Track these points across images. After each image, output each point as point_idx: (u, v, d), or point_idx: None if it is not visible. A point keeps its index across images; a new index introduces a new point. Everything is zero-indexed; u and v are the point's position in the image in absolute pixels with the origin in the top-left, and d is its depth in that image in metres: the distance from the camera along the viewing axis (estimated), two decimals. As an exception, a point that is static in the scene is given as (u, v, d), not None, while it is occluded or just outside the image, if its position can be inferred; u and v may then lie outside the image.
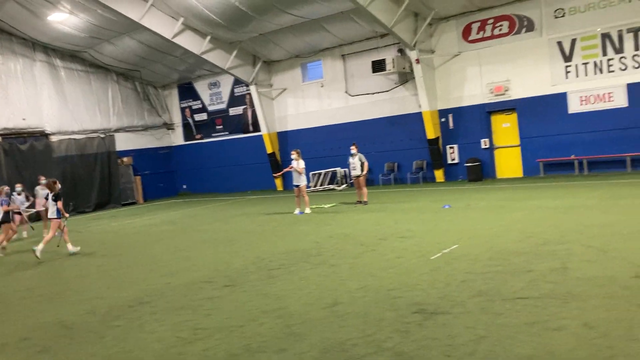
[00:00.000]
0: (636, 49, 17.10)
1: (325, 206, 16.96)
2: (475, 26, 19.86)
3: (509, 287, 6.61)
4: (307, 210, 15.98)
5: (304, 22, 21.21)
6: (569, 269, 7.13)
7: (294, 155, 16.68)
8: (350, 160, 16.73)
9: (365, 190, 16.58)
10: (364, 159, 16.53)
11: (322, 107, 24.35)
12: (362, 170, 16.45)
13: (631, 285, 6.17)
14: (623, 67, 17.38)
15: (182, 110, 29.69)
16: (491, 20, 19.50)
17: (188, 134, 29.72)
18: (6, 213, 13.78)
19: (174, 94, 29.84)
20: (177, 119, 30.04)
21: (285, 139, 25.67)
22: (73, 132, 25.70)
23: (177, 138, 30.26)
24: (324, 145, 24.01)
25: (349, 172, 16.86)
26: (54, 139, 24.96)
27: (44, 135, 24.66)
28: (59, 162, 24.66)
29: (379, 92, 22.40)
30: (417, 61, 20.03)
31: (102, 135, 26.78)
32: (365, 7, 17.73)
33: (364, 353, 5.04)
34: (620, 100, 17.54)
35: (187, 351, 5.60)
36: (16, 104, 23.68)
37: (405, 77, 21.49)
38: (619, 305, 5.60)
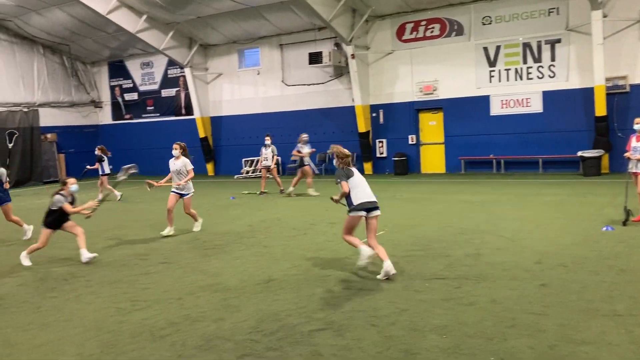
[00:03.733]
0: (552, 59, 18.49)
1: (246, 192, 17.28)
2: (409, 26, 20.71)
3: (428, 268, 7.26)
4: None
5: (243, 9, 21.31)
6: (481, 254, 7.88)
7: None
8: (263, 150, 16.92)
9: (279, 179, 16.98)
10: (275, 151, 16.90)
11: (257, 94, 24.55)
12: (272, 161, 16.75)
13: (533, 269, 6.97)
14: (540, 76, 18.74)
15: (112, 88, 28.96)
16: (424, 22, 20.41)
17: (117, 114, 29.05)
18: None
19: (104, 71, 29.05)
20: (105, 97, 29.28)
21: (219, 124, 25.69)
22: (-7, 104, 24.58)
23: (105, 117, 29.50)
24: (258, 133, 24.24)
25: (261, 161, 17.14)
26: (-28, 110, 23.78)
27: (-39, 105, 23.44)
28: (-23, 135, 23.54)
29: (314, 84, 22.88)
30: (353, 56, 20.65)
31: (25, 110, 25.73)
32: (305, -1, 18.12)
33: (297, 322, 5.48)
34: (537, 106, 18.92)
35: (126, 320, 5.84)
36: None
37: (341, 71, 22.08)
38: (521, 285, 6.35)
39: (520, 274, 6.79)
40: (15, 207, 16.87)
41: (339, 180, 7.11)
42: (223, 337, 5.20)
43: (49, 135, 26.45)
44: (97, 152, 18.13)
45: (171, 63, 25.90)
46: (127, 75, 28.26)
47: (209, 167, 25.74)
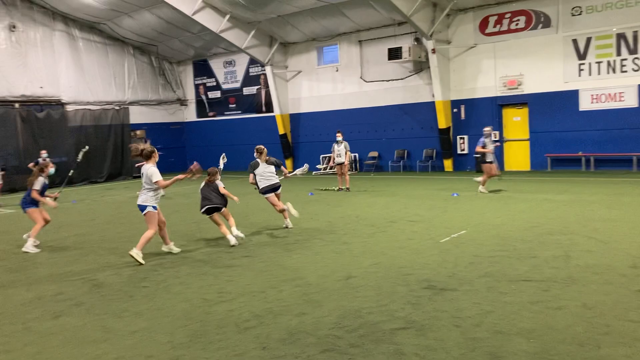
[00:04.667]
0: (650, 50, 17.35)
1: (323, 188, 17.37)
2: (492, 19, 20.08)
3: (514, 270, 7.03)
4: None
5: (323, 6, 21.46)
6: (571, 257, 7.54)
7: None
8: (335, 147, 16.84)
9: (348, 177, 16.90)
10: (348, 147, 16.80)
11: (335, 91, 24.67)
12: (346, 158, 16.66)
13: (628, 274, 6.58)
14: (636, 68, 17.62)
15: (196, 87, 30.05)
16: (508, 15, 19.72)
17: (201, 111, 30.11)
18: None
19: (189, 70, 30.18)
20: (190, 95, 30.42)
21: (298, 120, 26.04)
22: (88, 103, 26.11)
23: (189, 114, 30.65)
24: (336, 129, 24.38)
25: (334, 158, 17.01)
26: (69, 108, 25.37)
27: (60, 104, 25.06)
28: (73, 132, 25.10)
29: (393, 80, 22.69)
30: (433, 51, 20.30)
31: (117, 108, 27.20)
32: (385, -6, 17.98)
33: (378, 320, 5.47)
34: (631, 101, 17.82)
35: (213, 311, 6.05)
36: (34, 72, 24.06)
37: (420, 66, 21.77)
38: (616, 290, 6.01)
39: (615, 278, 6.44)
40: (108, 200, 17.92)
41: None
42: (305, 331, 5.28)
43: (138, 132, 27.84)
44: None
45: (252, 61, 26.52)
46: (210, 74, 29.23)
47: (288, 163, 26.15)
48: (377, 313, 5.68)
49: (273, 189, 10.94)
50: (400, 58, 21.15)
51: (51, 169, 10.56)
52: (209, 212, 9.69)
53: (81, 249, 9.99)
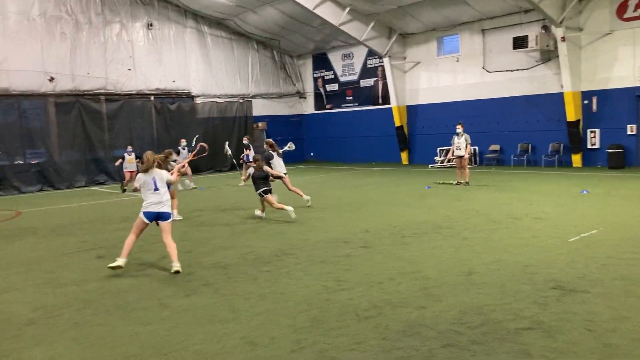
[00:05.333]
0: None
1: (440, 182, 16.97)
2: (632, 3, 18.46)
3: (655, 275, 6.46)
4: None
5: (444, -5, 20.95)
6: None
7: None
8: (455, 139, 16.35)
9: (467, 170, 16.32)
10: (469, 140, 16.21)
11: (455, 82, 24.01)
12: (466, 151, 16.12)
13: None
14: None
15: (315, 80, 30.63)
16: (652, -3, 18.03)
17: (319, 104, 30.67)
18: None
19: (308, 63, 30.82)
20: (309, 88, 31.07)
21: (415, 112, 25.69)
22: (215, 96, 27.56)
23: (308, 107, 31.34)
24: (455, 121, 23.76)
25: (453, 151, 16.48)
26: (198, 101, 26.95)
27: (190, 97, 26.70)
28: (201, 123, 26.61)
29: (518, 70, 21.65)
30: (563, 39, 19.07)
31: (241, 100, 28.46)
32: (512, -20, 17.15)
33: (502, 318, 5.28)
34: None
35: (332, 298, 6.17)
36: (168, 67, 25.80)
37: (548, 55, 20.56)
38: None
39: None
40: (223, 188, 18.72)
41: None
42: (425, 325, 5.22)
43: (260, 124, 28.94)
44: (245, 141, 20.77)
45: (370, 53, 26.53)
46: (329, 67, 29.66)
47: (404, 155, 25.91)
48: (500, 311, 5.48)
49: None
50: (526, 47, 20.10)
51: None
52: (264, 193, 11.43)
53: (211, 229, 10.60)
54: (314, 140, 30.90)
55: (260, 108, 29.32)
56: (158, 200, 7.76)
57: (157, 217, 7.78)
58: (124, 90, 24.40)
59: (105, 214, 14.00)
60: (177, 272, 7.51)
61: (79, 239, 10.67)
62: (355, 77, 28.33)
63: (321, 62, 30.09)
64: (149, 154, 7.93)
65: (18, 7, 21.39)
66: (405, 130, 25.94)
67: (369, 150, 27.52)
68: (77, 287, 7.20)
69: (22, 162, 21.91)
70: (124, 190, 19.39)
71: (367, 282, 6.75)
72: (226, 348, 4.92)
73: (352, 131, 28.37)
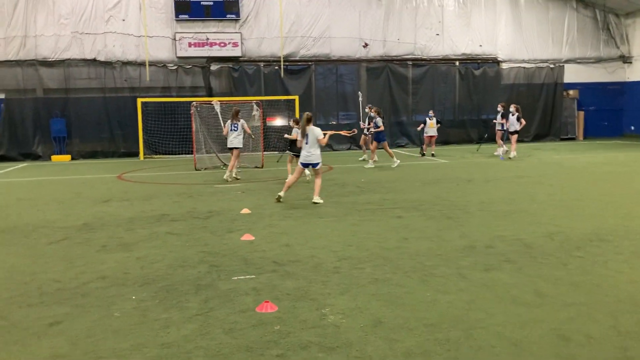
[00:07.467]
0: None
1: None
2: None
3: None
4: None
5: None
6: None
7: None
8: None
9: None
10: None
11: None
12: None
13: None
14: None
15: (646, 41, 26.26)
16: None
17: (648, 70, 26.29)
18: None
19: (638, 23, 26.52)
20: (636, 51, 26.81)
21: None
22: (523, 61, 25.86)
23: (633, 73, 27.14)
24: None
25: None
26: (504, 66, 25.66)
27: (495, 62, 25.57)
28: (505, 90, 25.35)
29: None
30: None
31: (551, 66, 26.15)
32: None
33: None
34: None
35: (666, 303, 5.06)
36: (476, 31, 25.08)
37: None
38: None
39: None
40: (534, 160, 17.56)
41: None
42: None
43: (570, 92, 26.27)
44: (499, 108, 19.59)
45: None
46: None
47: None
48: None
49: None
50: None
51: None
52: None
53: (510, 205, 9.95)
54: (636, 112, 26.75)
55: (572, 74, 26.47)
56: (308, 152, 10.35)
57: (307, 165, 10.49)
58: (430, 56, 24.65)
59: (405, 176, 14.41)
60: (315, 203, 10.23)
61: (381, 197, 11.14)
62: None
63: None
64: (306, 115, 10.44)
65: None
66: None
67: None
68: (378, 243, 7.42)
69: (334, 122, 24.09)
70: (423, 155, 19.74)
71: None
72: (532, 337, 4.39)
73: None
